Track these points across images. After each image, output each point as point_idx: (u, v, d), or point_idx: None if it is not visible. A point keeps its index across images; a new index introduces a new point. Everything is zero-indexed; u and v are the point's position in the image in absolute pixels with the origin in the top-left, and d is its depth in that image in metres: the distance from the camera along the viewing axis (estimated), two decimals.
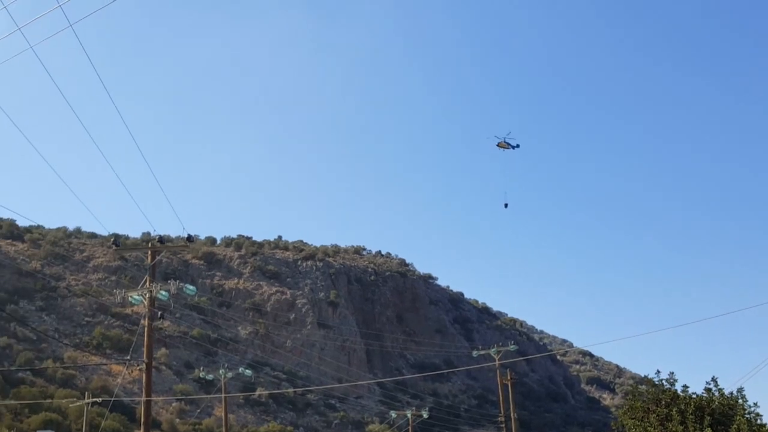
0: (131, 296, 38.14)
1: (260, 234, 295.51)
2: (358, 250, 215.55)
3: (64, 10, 21.00)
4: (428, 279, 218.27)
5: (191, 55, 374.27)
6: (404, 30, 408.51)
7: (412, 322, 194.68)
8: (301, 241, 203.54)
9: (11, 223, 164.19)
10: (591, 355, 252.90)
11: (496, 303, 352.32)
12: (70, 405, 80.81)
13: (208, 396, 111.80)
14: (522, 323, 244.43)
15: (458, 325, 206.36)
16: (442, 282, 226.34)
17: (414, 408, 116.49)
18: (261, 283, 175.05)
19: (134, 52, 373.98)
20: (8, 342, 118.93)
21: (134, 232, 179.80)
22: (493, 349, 71.98)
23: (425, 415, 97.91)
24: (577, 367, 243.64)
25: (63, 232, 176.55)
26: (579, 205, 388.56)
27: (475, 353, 77.42)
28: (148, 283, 37.71)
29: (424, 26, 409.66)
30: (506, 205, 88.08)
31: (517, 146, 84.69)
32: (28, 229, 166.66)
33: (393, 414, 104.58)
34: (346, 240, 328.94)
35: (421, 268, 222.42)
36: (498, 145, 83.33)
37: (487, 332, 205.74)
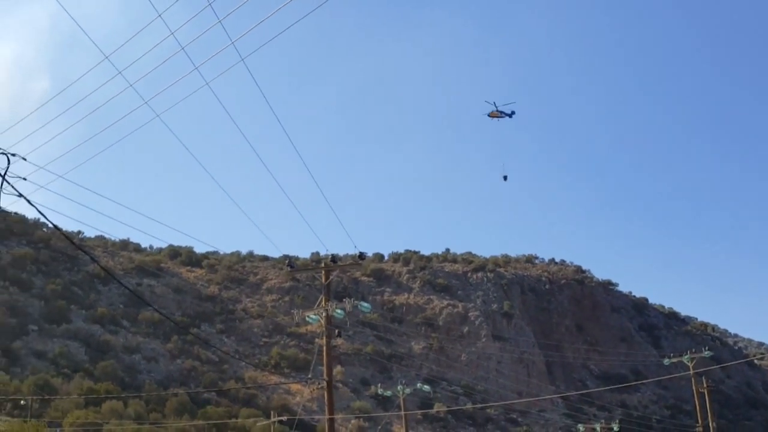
0: (308, 316, 38.24)
1: (427, 247, 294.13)
2: (529, 259, 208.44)
3: (237, 47, 20.92)
4: (608, 285, 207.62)
5: (354, 72, 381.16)
6: (564, 40, 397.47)
7: (594, 331, 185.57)
8: (470, 252, 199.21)
9: (189, 251, 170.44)
10: None
11: (684, 307, 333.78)
12: (257, 424, 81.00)
13: (388, 413, 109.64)
14: (714, 327, 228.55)
15: (644, 333, 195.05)
16: (623, 288, 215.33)
17: (602, 421, 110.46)
18: (431, 297, 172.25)
19: (299, 73, 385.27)
20: (193, 364, 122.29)
21: (303, 253, 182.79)
22: (686, 356, 67.33)
23: (616, 428, 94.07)
24: None
25: (237, 256, 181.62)
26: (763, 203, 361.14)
27: (666, 361, 73.64)
28: (323, 303, 37.42)
29: (584, 36, 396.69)
30: (505, 178, 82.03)
31: (513, 114, 77.26)
32: (205, 255, 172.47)
33: (581, 427, 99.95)
34: (515, 249, 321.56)
35: (599, 274, 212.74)
36: (489, 115, 76.60)
37: (677, 338, 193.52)
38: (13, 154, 22.69)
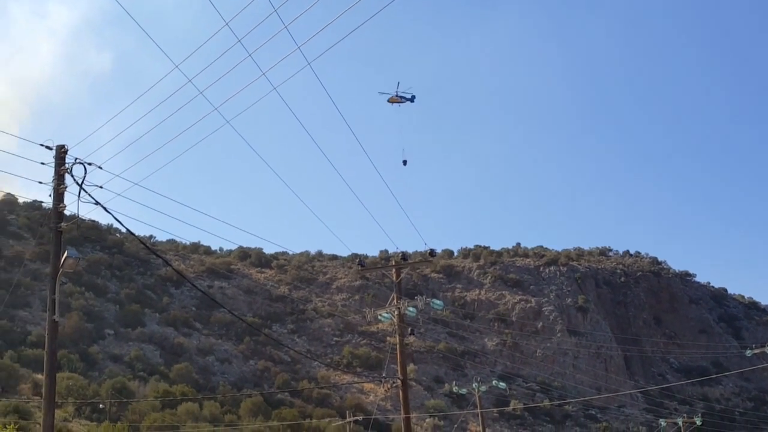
0: (380, 314, 38.10)
1: (497, 242, 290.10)
2: (603, 252, 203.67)
3: (303, 52, 20.67)
4: (685, 276, 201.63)
5: (421, 68, 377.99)
6: (633, 37, 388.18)
7: (672, 324, 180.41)
8: (541, 246, 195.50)
9: (259, 252, 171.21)
10: None
11: (764, 297, 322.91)
12: (333, 424, 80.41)
13: (463, 411, 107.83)
14: None
15: (724, 324, 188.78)
16: (701, 278, 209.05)
17: (684, 415, 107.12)
18: (503, 292, 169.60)
19: (364, 69, 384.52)
20: (266, 365, 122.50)
21: (372, 251, 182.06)
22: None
23: (698, 422, 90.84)
24: None
25: (306, 256, 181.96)
26: None
27: (748, 352, 72.23)
28: (395, 301, 37.16)
29: (653, 34, 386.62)
30: (405, 162, 79.87)
31: (413, 98, 74.75)
32: (275, 256, 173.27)
33: (663, 422, 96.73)
34: (588, 242, 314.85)
35: (676, 265, 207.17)
36: (389, 101, 74.38)
37: (758, 329, 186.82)
38: (90, 164, 23.08)
